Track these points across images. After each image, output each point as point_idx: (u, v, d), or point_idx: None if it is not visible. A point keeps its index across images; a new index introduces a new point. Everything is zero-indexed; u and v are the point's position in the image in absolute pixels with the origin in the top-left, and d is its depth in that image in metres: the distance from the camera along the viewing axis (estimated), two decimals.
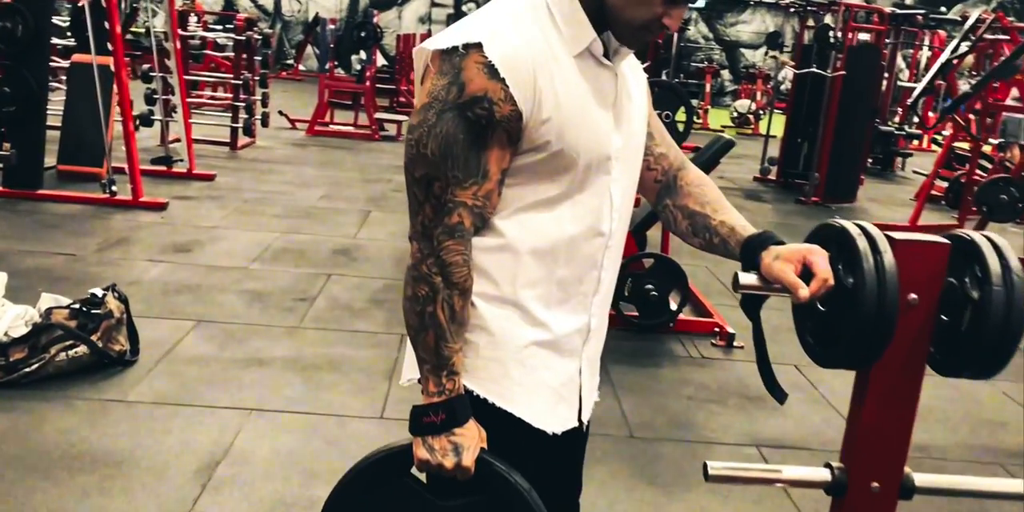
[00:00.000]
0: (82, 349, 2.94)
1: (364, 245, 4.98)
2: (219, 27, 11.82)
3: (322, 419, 2.79)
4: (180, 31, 7.98)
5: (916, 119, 9.76)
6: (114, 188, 5.31)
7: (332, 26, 10.40)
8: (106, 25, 5.27)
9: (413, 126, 1.09)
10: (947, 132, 8.30)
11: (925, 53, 11.92)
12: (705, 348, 3.77)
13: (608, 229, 1.23)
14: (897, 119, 10.49)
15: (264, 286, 4.08)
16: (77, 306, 3.02)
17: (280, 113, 9.36)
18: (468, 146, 1.07)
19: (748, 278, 1.19)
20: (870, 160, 9.36)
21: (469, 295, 1.14)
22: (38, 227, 4.78)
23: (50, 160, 5.90)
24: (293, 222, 5.36)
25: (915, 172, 7.60)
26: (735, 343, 3.81)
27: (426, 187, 1.09)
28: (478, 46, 1.05)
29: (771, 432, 3.03)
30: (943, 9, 17.28)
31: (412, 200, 1.12)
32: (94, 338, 2.96)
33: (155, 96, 6.63)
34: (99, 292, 3.08)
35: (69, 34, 6.83)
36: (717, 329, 3.88)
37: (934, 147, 11.80)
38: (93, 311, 3.02)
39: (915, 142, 11.16)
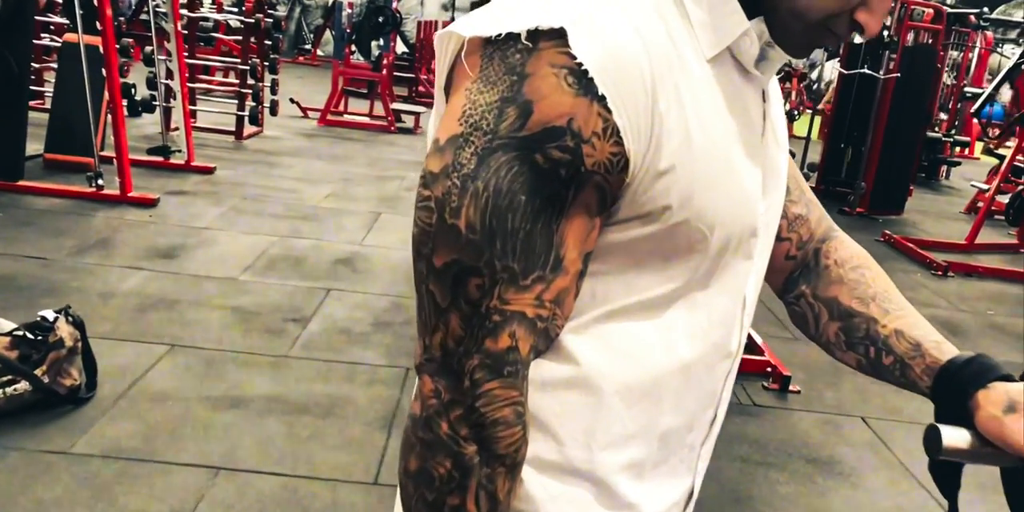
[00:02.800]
0: (23, 386, 2.46)
1: (370, 254, 4.49)
2: (235, 9, 11.35)
3: (303, 483, 2.31)
4: (190, 13, 7.53)
5: (978, 127, 9.16)
6: (100, 181, 4.84)
7: (349, 10, 9.91)
8: (95, 2, 4.78)
9: (432, 175, 0.62)
10: (1011, 143, 7.72)
11: (972, 55, 11.29)
12: (756, 393, 3.26)
13: (738, 342, 0.76)
14: (943, 125, 9.90)
15: (253, 302, 3.59)
16: (21, 333, 2.54)
17: (292, 101, 8.88)
18: (533, 215, 0.61)
19: (957, 438, 0.72)
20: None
21: (520, 471, 0.67)
22: (10, 224, 4.31)
23: (38, 147, 5.45)
24: (294, 224, 4.87)
25: (972, 185, 7.04)
26: (790, 387, 3.30)
27: (454, 286, 0.63)
28: (557, 36, 0.60)
29: (844, 508, 2.52)
30: (985, 9, 16.64)
31: (426, 306, 0.64)
32: (39, 372, 2.49)
33: (157, 80, 6.17)
34: (49, 315, 2.60)
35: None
36: (770, 369, 3.37)
37: (978, 156, 11.20)
38: (40, 338, 2.54)
39: (957, 149, 10.57)
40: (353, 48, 10.14)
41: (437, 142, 0.62)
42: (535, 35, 0.60)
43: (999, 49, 11.87)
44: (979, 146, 10.97)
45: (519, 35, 0.60)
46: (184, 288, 3.67)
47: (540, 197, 0.60)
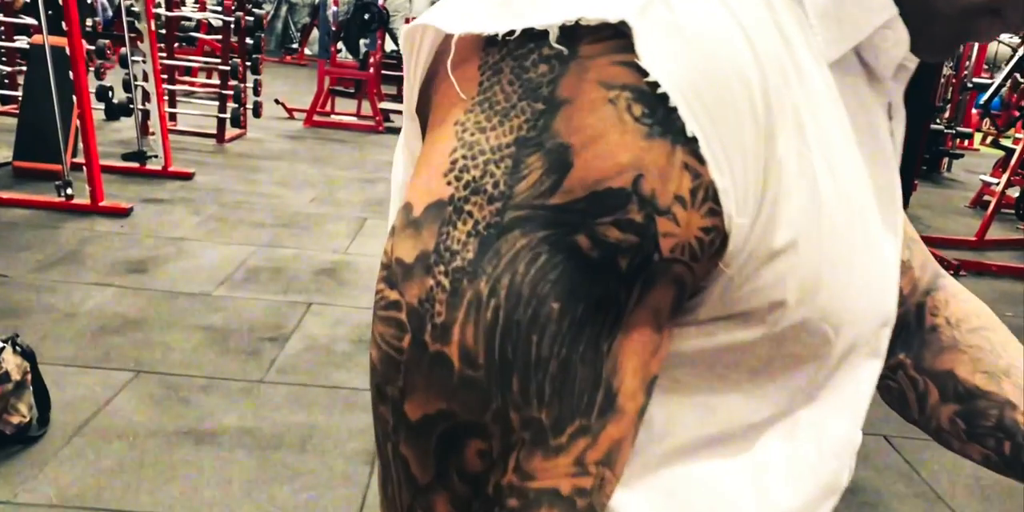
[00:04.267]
0: None
1: (355, 263, 4.25)
2: (219, 8, 11.07)
3: None
4: (168, 12, 7.27)
5: (987, 119, 8.95)
6: (70, 191, 4.59)
7: (335, 8, 9.65)
8: (60, 1, 4.53)
9: (403, 267, 0.40)
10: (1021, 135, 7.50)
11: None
12: None
13: (851, 468, 0.55)
14: (943, 116, 9.68)
15: (227, 320, 3.35)
16: None
17: (276, 102, 8.62)
18: (571, 334, 0.39)
19: None
20: None
21: None
22: None
23: (8, 154, 5.20)
24: (275, 232, 4.63)
25: (981, 179, 6.82)
26: None
27: (441, 452, 0.40)
28: (613, 35, 0.38)
29: None
30: None
31: (394, 478, 0.42)
32: None
33: (135, 83, 5.91)
34: None
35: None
36: None
37: (978, 147, 10.98)
38: None
39: (958, 141, 10.35)
40: (340, 46, 9.89)
41: (409, 210, 0.40)
42: (574, 33, 0.38)
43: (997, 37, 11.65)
44: (978, 137, 10.76)
45: (546, 33, 0.38)
46: (154, 306, 3.43)
47: (584, 304, 0.38)
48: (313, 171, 6.32)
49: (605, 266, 0.37)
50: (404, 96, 0.48)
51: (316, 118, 8.52)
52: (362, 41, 10.51)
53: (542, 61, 0.38)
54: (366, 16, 9.80)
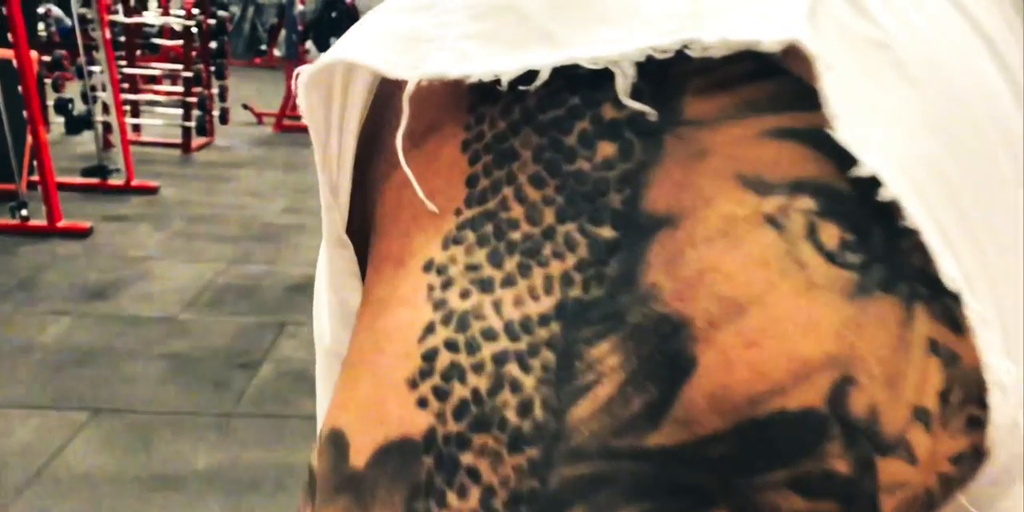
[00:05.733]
0: None
1: None
2: (182, 12, 10.79)
3: None
4: (127, 18, 7.00)
5: None
6: (24, 212, 4.35)
7: (302, 6, 9.42)
8: (4, 11, 4.28)
9: None
10: None
11: None
12: None
13: None
14: None
15: (194, 347, 3.14)
16: None
17: (244, 107, 8.37)
18: None
19: None
20: None
21: None
22: None
23: None
24: (245, 247, 4.40)
25: None
26: None
27: None
28: (752, 69, 0.20)
29: None
30: None
31: None
32: None
33: (92, 94, 5.66)
34: None
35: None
36: None
37: None
38: None
39: None
40: (308, 47, 9.65)
41: (342, 452, 0.23)
42: (665, 73, 0.22)
43: None
44: None
45: (603, 77, 0.22)
46: (115, 334, 3.20)
47: None
48: (284, 178, 6.09)
49: None
50: (321, 193, 0.29)
51: (286, 122, 8.28)
52: (333, 39, 10.29)
53: (603, 134, 0.21)
54: (334, 14, 9.58)
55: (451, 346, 0.21)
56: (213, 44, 7.35)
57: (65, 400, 2.68)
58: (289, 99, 8.38)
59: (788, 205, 0.19)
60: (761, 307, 0.19)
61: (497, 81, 0.22)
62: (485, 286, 0.22)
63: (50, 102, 5.71)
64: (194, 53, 7.05)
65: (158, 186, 5.45)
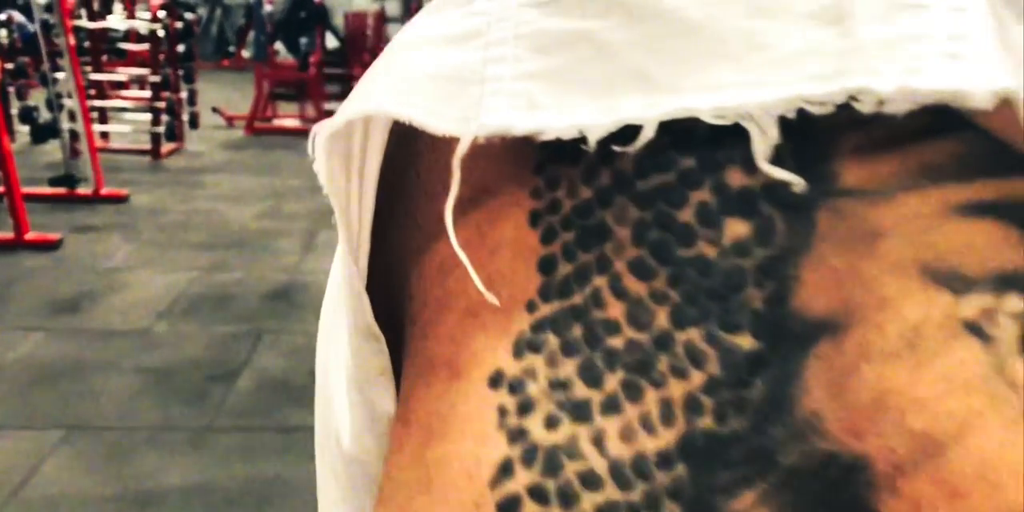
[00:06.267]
0: None
1: (307, 282, 3.97)
2: (148, 15, 10.64)
3: None
4: (90, 22, 6.88)
5: None
6: None
7: (270, 7, 9.30)
8: None
9: None
10: None
11: None
12: None
13: None
14: None
15: (169, 359, 3.07)
16: None
17: (214, 110, 8.26)
18: None
19: None
20: None
21: None
22: None
23: None
24: (219, 254, 4.33)
25: None
26: None
27: None
28: (926, 123, 0.16)
29: None
30: None
31: None
32: None
33: (57, 102, 5.55)
34: None
35: None
36: None
37: None
38: None
39: None
40: (277, 47, 9.54)
41: None
42: (810, 129, 0.17)
43: None
44: None
45: (714, 135, 0.18)
46: (87, 349, 3.13)
47: None
48: (257, 182, 6.01)
49: None
50: (345, 276, 0.24)
51: (257, 125, 8.18)
52: (302, 39, 10.17)
53: (730, 208, 0.17)
54: (303, 14, 9.47)
55: (538, 495, 0.16)
56: (181, 47, 7.25)
57: (35, 419, 2.61)
58: (260, 101, 8.28)
59: (994, 307, 0.15)
60: (965, 445, 0.14)
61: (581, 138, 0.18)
62: (579, 412, 0.17)
63: (14, 110, 5.60)
64: (161, 57, 6.94)
65: (128, 194, 5.35)
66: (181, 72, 7.03)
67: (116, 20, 8.31)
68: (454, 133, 0.18)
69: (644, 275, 0.17)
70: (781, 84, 0.16)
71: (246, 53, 15.45)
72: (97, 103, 6.67)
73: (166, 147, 6.73)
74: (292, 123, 8.51)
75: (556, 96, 0.18)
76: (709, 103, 0.16)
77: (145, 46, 7.24)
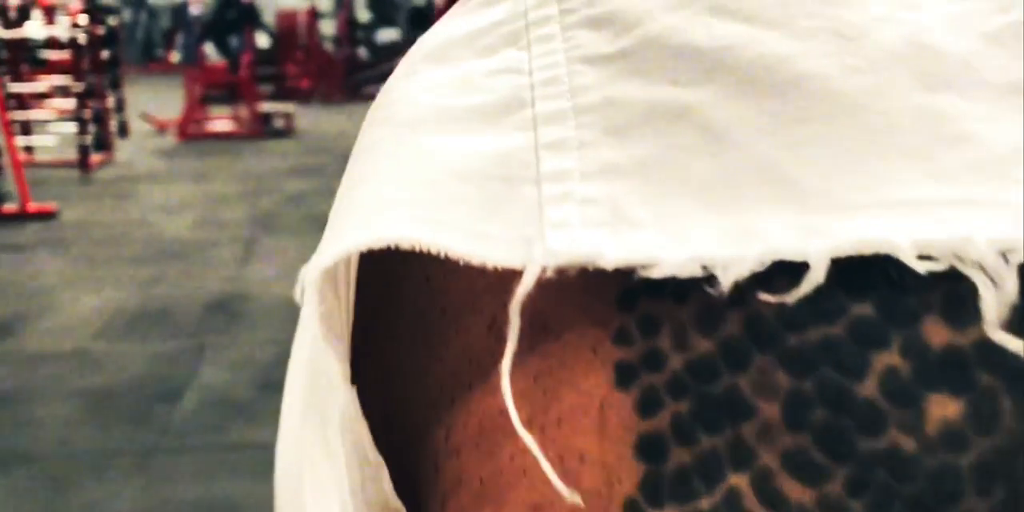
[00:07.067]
0: None
1: (249, 291, 3.87)
2: (68, 21, 10.31)
3: None
4: (5, 31, 6.62)
5: None
6: None
7: (196, 11, 9.11)
8: None
9: None
10: None
11: None
12: None
13: None
14: None
15: (108, 380, 2.96)
16: None
17: (143, 117, 8.04)
18: None
19: None
20: None
21: None
22: None
23: None
24: (155, 267, 4.20)
25: None
26: None
27: None
28: None
29: None
30: None
31: None
32: None
33: None
34: None
35: None
36: None
37: None
38: None
39: None
40: (207, 50, 9.34)
41: None
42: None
43: None
44: None
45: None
46: (21, 375, 3.01)
47: None
48: (192, 190, 5.86)
49: None
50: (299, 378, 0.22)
51: (190, 130, 7.98)
52: (232, 40, 9.95)
53: (932, 378, 0.12)
54: (231, 15, 9.29)
55: None
56: (105, 53, 7.03)
57: None
58: (191, 106, 8.08)
59: None
60: None
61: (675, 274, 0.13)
62: None
63: None
64: (85, 64, 6.72)
65: (57, 209, 5.16)
66: (107, 79, 6.83)
67: (34, 28, 8.02)
68: (510, 264, 0.13)
69: (809, 476, 0.12)
70: (1009, 206, 0.11)
71: (174, 57, 15.11)
72: (19, 115, 6.43)
73: (95, 158, 6.52)
74: (225, 126, 8.33)
75: (655, 205, 0.13)
76: (907, 235, 0.12)
77: (67, 54, 7.00)
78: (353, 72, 11.26)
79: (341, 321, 0.18)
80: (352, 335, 0.19)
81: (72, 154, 6.44)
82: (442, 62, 0.17)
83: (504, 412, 0.14)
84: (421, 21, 12.13)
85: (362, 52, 12.61)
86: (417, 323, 0.18)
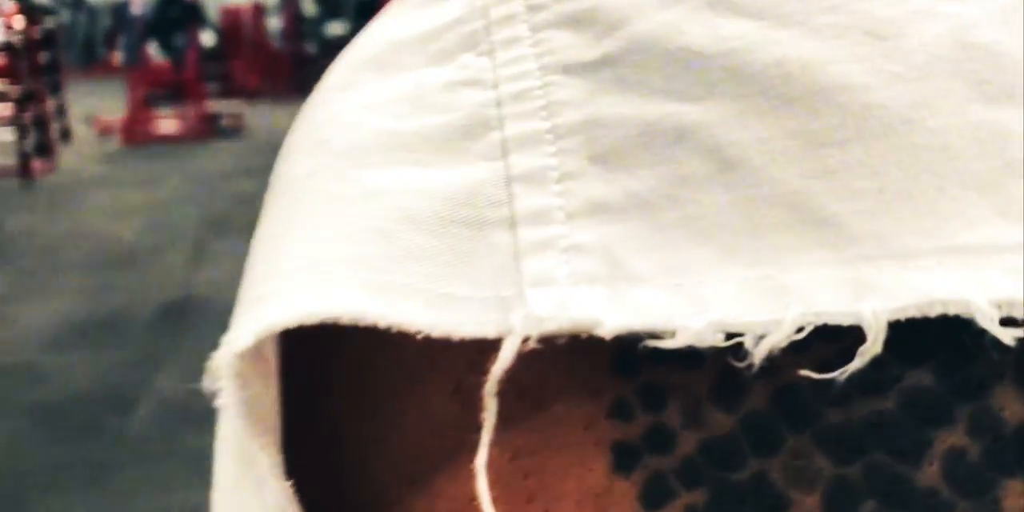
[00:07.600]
0: None
1: (202, 297, 3.82)
2: (2, 22, 10.07)
3: None
4: None
5: None
6: None
7: (137, 11, 8.94)
8: None
9: None
10: None
11: None
12: None
13: None
14: None
15: (58, 394, 2.91)
16: None
17: (87, 121, 7.87)
18: None
19: None
20: None
21: None
22: None
23: None
24: (102, 275, 4.12)
25: None
26: None
27: None
28: None
29: None
30: None
31: None
32: None
33: None
34: None
35: None
36: None
37: None
38: None
39: None
40: (150, 50, 9.18)
41: None
42: None
43: None
44: None
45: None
46: None
47: None
48: (139, 195, 5.75)
49: None
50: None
51: (135, 133, 7.83)
52: (176, 39, 9.79)
53: (1005, 465, 0.10)
54: (174, 13, 9.14)
55: None
56: (44, 56, 6.87)
57: None
58: (135, 107, 7.93)
59: None
60: None
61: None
62: None
63: None
64: (23, 68, 6.56)
65: None
66: (47, 83, 6.68)
67: None
68: (484, 335, 0.11)
69: None
70: None
71: (117, 58, 14.80)
72: None
73: (37, 165, 6.37)
74: (171, 128, 8.18)
75: (659, 254, 0.11)
76: (983, 292, 0.10)
77: (3, 58, 6.82)
78: (302, 68, 11.14)
79: (269, 401, 0.15)
80: (285, 402, 0.16)
81: (12, 161, 6.29)
82: (387, 71, 0.14)
83: (475, 500, 0.11)
84: (370, 13, 12.00)
85: (310, 47, 12.47)
86: (369, 381, 0.15)
